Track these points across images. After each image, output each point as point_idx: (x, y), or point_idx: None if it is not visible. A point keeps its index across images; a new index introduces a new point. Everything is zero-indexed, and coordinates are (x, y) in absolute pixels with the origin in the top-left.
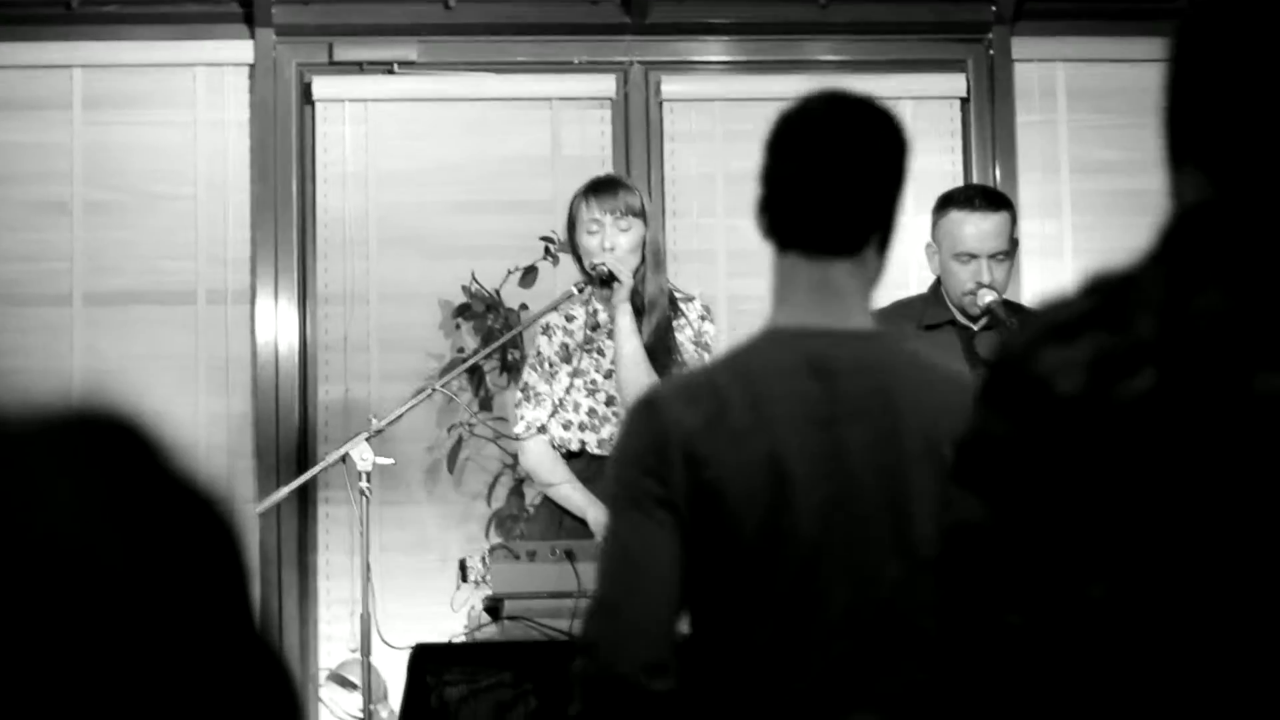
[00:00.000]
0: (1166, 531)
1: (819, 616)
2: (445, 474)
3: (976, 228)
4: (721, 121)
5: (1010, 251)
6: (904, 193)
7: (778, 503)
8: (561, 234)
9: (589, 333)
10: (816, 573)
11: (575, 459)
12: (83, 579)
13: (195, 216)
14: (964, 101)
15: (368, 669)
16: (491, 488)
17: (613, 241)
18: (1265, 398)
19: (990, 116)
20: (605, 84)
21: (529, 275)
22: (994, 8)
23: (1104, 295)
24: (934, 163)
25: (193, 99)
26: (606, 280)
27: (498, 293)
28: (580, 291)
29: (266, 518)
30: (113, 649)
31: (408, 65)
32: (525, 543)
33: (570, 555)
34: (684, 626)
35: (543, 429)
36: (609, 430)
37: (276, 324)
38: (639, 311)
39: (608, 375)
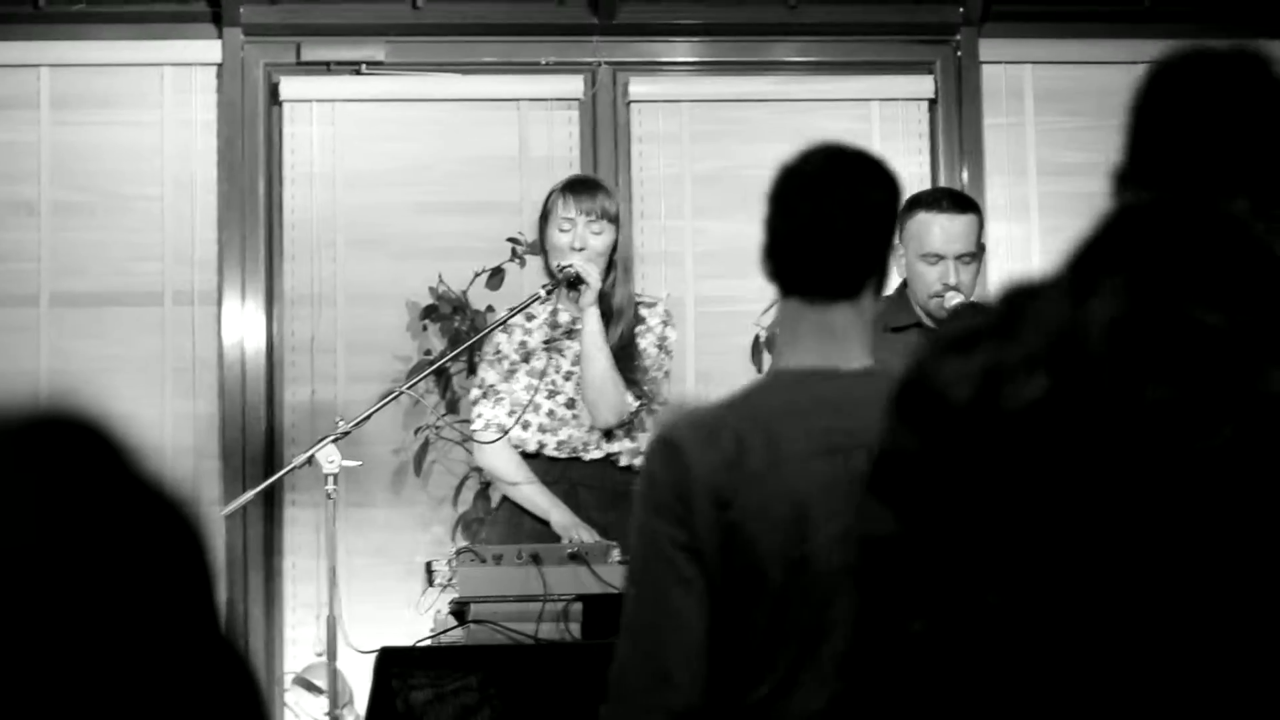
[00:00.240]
0: (1056, 538)
1: (835, 645)
2: (412, 477)
3: (944, 229)
4: (689, 122)
5: (977, 254)
6: (895, 233)
7: (798, 536)
8: (530, 235)
9: (549, 332)
10: (833, 602)
11: (532, 460)
12: (44, 581)
13: (162, 217)
14: (931, 103)
15: (333, 672)
16: (458, 490)
17: (583, 242)
18: (1155, 406)
19: (958, 118)
20: (573, 85)
21: (496, 277)
22: (961, 9)
23: (1008, 304)
24: (901, 165)
25: (160, 99)
26: (574, 282)
27: (465, 294)
28: (549, 295)
29: (233, 520)
30: (75, 651)
31: (375, 66)
32: (491, 546)
33: (536, 559)
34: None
35: (503, 428)
36: (568, 432)
37: (243, 325)
38: (606, 317)
39: (567, 377)
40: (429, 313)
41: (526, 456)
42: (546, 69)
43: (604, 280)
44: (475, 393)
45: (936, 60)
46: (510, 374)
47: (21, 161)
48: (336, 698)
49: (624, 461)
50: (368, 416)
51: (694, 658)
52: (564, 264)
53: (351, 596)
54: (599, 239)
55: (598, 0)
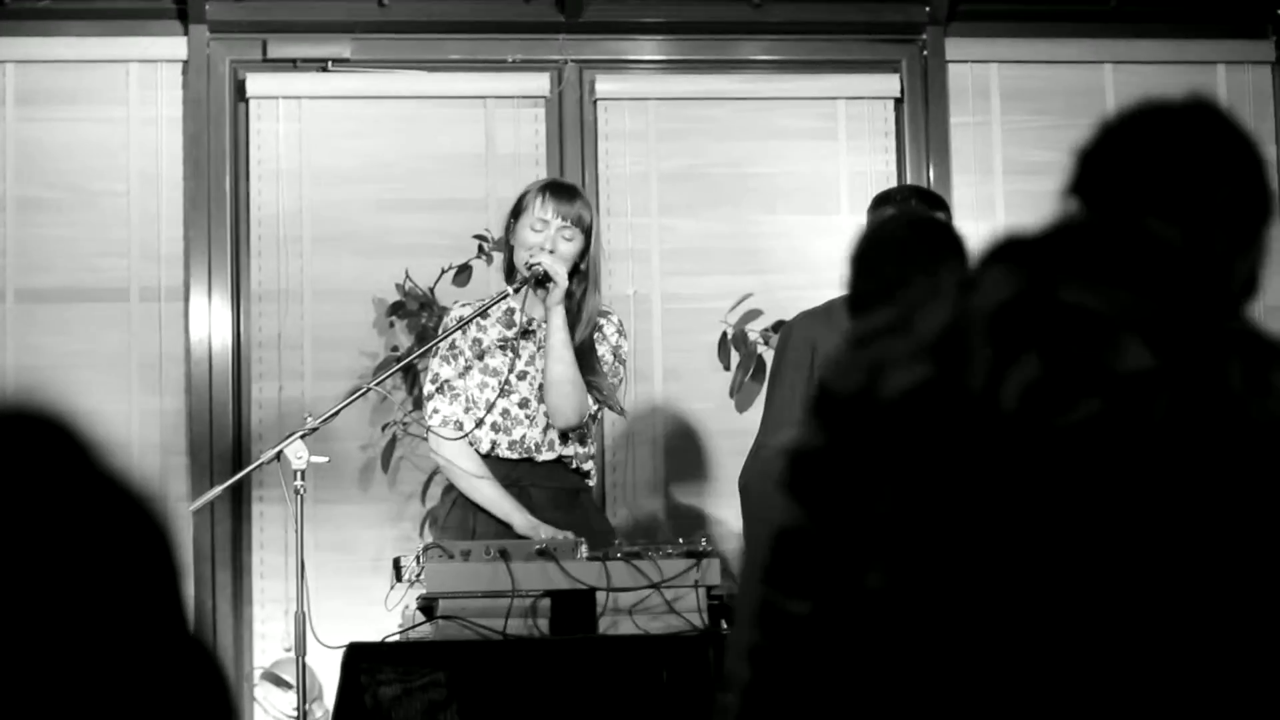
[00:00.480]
0: (927, 520)
1: None
2: (379, 473)
3: None
4: (656, 120)
5: None
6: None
7: None
8: (496, 232)
9: (503, 330)
10: None
11: (483, 459)
12: (7, 577)
13: (128, 213)
14: (898, 102)
15: (302, 668)
16: (426, 486)
17: (554, 245)
18: (1020, 385)
19: (924, 117)
20: (539, 82)
21: (462, 274)
22: (928, 9)
23: (908, 303)
24: (867, 163)
25: (126, 95)
26: (541, 280)
27: (431, 291)
28: (516, 292)
29: (200, 516)
30: (40, 648)
31: (342, 63)
32: (459, 542)
33: (505, 555)
34: None
35: (461, 425)
36: (520, 432)
37: (210, 321)
38: (571, 323)
39: (521, 376)
40: (396, 309)
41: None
42: (513, 67)
43: (570, 284)
44: (429, 387)
45: (903, 59)
46: (466, 370)
47: None
48: (305, 693)
49: (574, 465)
50: (336, 413)
51: None
52: (532, 261)
53: (320, 592)
54: (569, 245)
55: None
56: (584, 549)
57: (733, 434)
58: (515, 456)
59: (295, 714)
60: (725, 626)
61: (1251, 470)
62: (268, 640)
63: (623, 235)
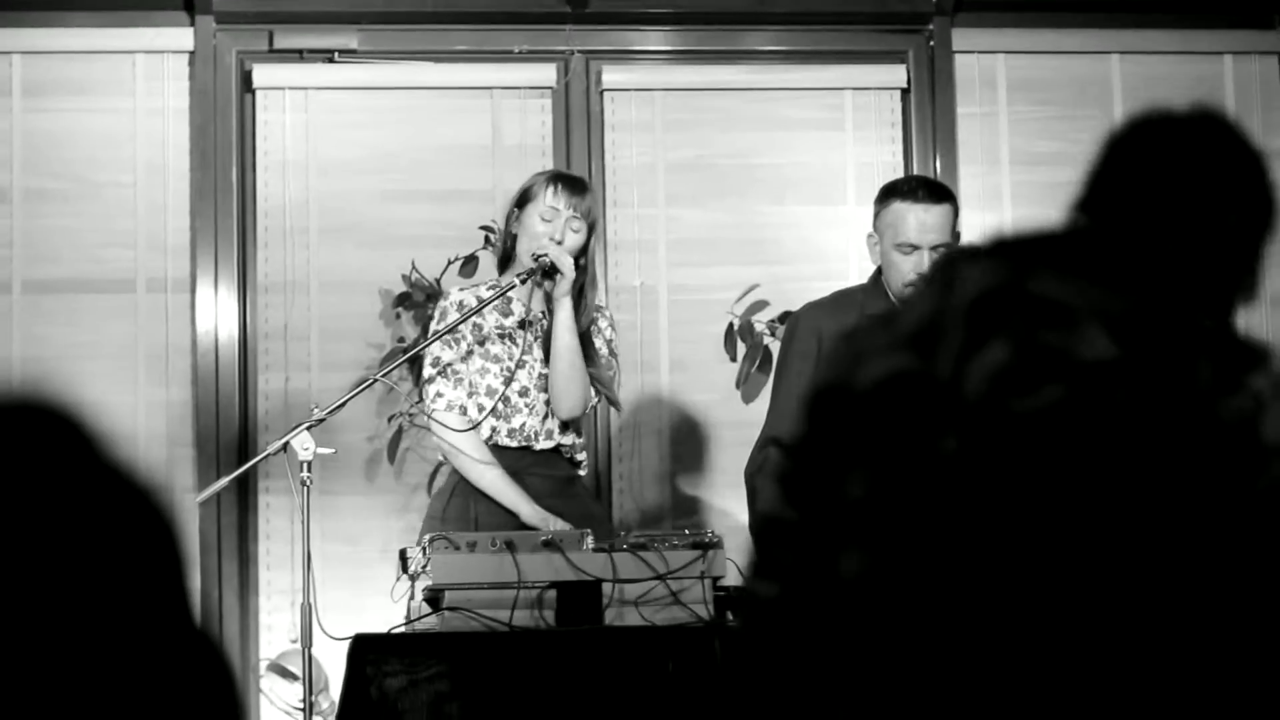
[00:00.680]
0: (893, 506)
1: None
2: (386, 464)
3: (919, 219)
4: (662, 111)
5: (952, 244)
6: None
7: None
8: (502, 223)
9: (500, 319)
10: None
11: None
12: (13, 570)
13: (135, 204)
14: (904, 92)
15: (308, 659)
16: (432, 478)
17: (561, 236)
18: (985, 372)
19: (931, 108)
20: (546, 73)
21: (469, 265)
22: None
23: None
24: (874, 154)
25: (132, 86)
26: (549, 271)
27: (438, 282)
28: (523, 283)
29: (207, 507)
30: (45, 641)
31: (348, 54)
32: (465, 534)
33: (511, 546)
34: None
35: (463, 409)
36: (520, 420)
37: (216, 313)
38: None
39: (520, 364)
40: (402, 300)
41: None
42: (519, 57)
43: (577, 278)
44: (429, 370)
45: (909, 49)
46: (467, 355)
47: None
48: (311, 684)
49: (569, 454)
50: (342, 404)
51: None
52: (539, 252)
53: (326, 583)
54: (575, 237)
55: None
56: (590, 540)
57: (739, 425)
58: (514, 444)
59: (301, 705)
60: (731, 618)
61: (1215, 465)
62: (274, 631)
63: (629, 226)
